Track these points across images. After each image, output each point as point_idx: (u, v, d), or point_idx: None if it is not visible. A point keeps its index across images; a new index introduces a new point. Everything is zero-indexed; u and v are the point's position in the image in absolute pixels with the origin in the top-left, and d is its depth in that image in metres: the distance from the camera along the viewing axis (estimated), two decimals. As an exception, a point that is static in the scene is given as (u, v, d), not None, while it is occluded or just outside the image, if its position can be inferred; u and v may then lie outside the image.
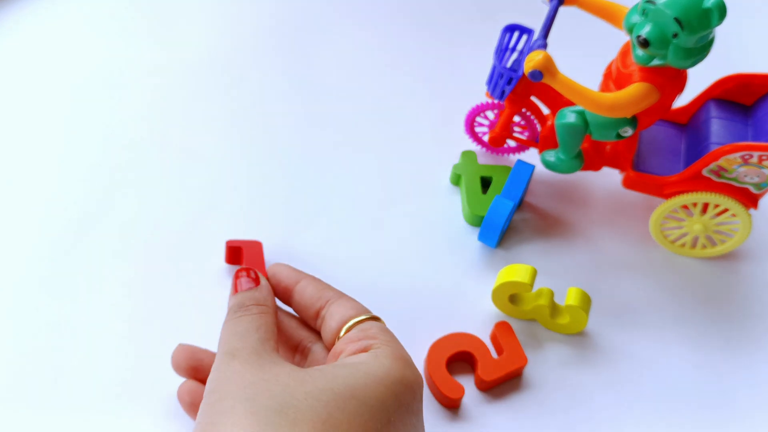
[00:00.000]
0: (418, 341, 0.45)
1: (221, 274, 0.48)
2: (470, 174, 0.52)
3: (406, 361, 0.36)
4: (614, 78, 0.45)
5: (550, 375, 0.45)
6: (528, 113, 0.51)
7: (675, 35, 0.40)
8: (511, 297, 0.46)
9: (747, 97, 0.49)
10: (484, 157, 0.55)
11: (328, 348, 0.40)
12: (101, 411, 0.42)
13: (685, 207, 0.48)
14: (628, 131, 0.46)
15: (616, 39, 0.48)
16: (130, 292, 0.47)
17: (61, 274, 0.48)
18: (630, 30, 0.42)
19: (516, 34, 0.50)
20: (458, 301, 0.48)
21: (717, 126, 0.48)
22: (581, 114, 0.47)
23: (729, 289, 0.49)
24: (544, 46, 0.46)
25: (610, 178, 0.54)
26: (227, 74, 0.61)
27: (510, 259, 0.50)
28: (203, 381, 0.39)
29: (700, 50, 0.42)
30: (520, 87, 0.49)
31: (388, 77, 0.61)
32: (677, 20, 0.40)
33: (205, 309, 0.46)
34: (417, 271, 0.49)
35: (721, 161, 0.45)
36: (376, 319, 0.39)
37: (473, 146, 0.56)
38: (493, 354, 0.45)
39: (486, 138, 0.55)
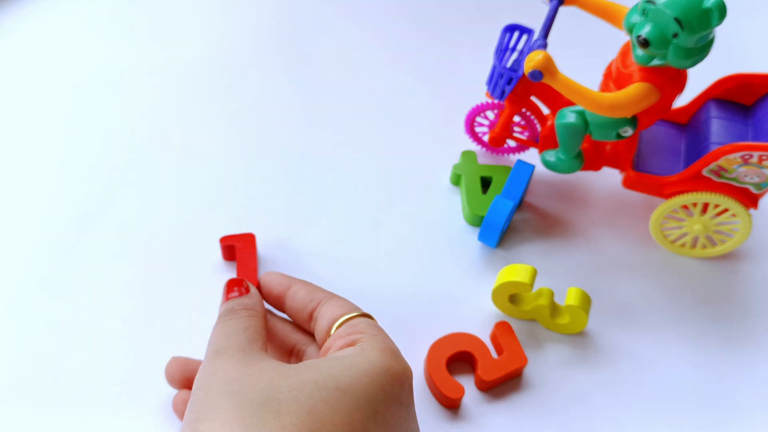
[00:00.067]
0: (418, 341, 0.45)
1: (221, 274, 0.48)
2: (470, 174, 0.52)
3: (393, 353, 0.36)
4: (614, 78, 0.45)
5: (550, 375, 0.45)
6: (528, 113, 0.51)
7: (675, 35, 0.40)
8: (511, 297, 0.46)
9: (747, 97, 0.49)
10: (484, 157, 0.55)
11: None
12: (101, 411, 0.42)
13: (685, 207, 0.48)
14: (628, 131, 0.46)
15: (616, 39, 0.48)
16: (130, 292, 0.47)
17: (61, 274, 0.48)
18: (630, 30, 0.42)
19: (516, 34, 0.50)
20: (458, 301, 0.48)
21: (717, 126, 0.48)
22: (581, 114, 0.47)
23: (729, 289, 0.49)
24: (544, 46, 0.46)
25: (610, 178, 0.54)
26: (227, 74, 0.61)
27: (510, 259, 0.50)
28: None
29: (700, 50, 0.42)
30: (520, 87, 0.49)
31: (388, 77, 0.61)
32: (677, 20, 0.40)
33: (205, 309, 0.46)
34: (417, 271, 0.49)
35: (721, 161, 0.45)
36: (366, 316, 0.39)
37: (473, 146, 0.56)
38: (493, 354, 0.45)
39: (486, 138, 0.55)
